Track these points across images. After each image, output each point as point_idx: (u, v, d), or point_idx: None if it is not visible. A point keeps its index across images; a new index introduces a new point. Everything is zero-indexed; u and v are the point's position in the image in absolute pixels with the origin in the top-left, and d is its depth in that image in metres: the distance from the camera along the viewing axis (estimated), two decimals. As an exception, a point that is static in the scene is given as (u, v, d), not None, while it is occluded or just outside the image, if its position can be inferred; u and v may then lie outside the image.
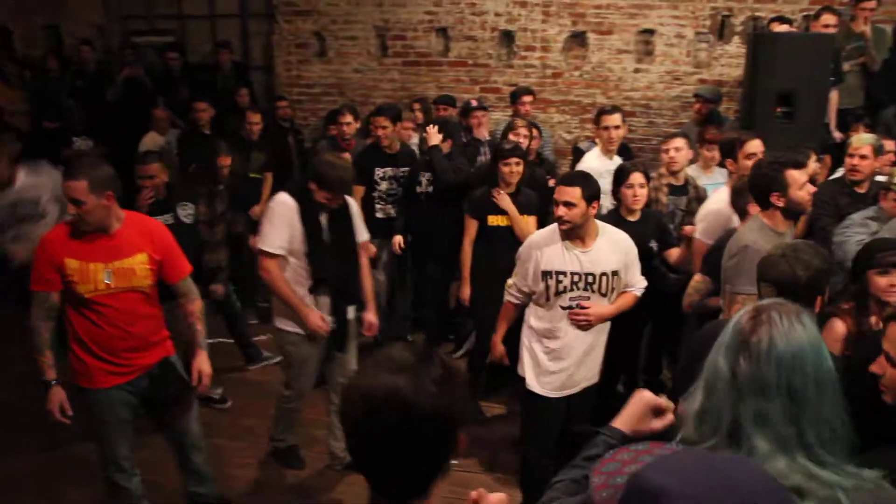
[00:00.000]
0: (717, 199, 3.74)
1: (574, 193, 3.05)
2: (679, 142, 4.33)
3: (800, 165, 2.99)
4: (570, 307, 3.17)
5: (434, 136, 4.81)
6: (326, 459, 3.95)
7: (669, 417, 1.56)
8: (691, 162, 4.56)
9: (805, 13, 6.43)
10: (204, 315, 3.21)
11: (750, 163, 3.47)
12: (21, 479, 3.82)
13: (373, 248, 4.55)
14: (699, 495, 0.93)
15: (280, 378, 3.90)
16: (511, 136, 4.71)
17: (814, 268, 2.17)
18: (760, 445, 1.31)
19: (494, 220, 4.29)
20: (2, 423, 4.27)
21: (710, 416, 1.38)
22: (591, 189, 3.09)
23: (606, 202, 4.13)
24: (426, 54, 7.45)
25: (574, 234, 3.13)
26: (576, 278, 3.14)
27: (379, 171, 5.01)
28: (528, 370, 3.29)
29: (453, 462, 1.28)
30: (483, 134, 5.47)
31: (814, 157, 4.29)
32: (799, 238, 3.55)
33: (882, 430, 1.75)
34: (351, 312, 3.71)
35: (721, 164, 4.25)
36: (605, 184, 4.08)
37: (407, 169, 5.03)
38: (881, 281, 2.58)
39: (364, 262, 3.78)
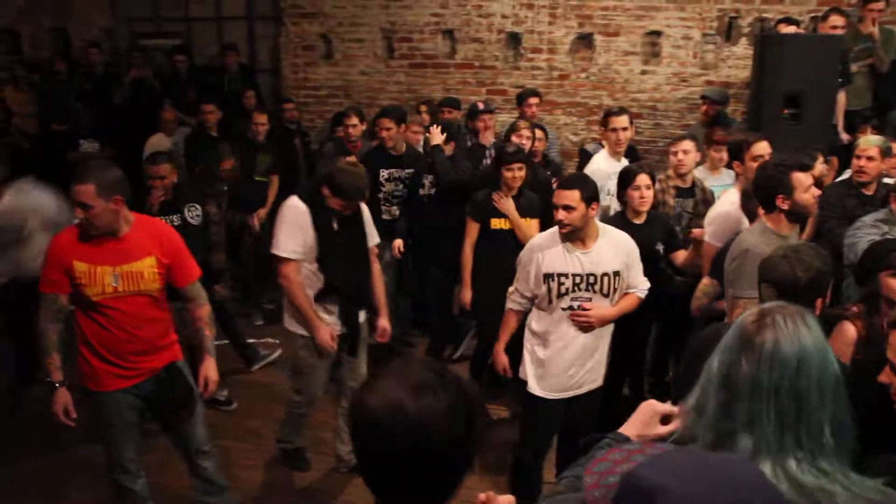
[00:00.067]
0: (727, 201, 3.72)
1: (573, 196, 3.05)
2: (687, 144, 4.31)
3: (805, 168, 2.97)
4: (570, 308, 3.16)
5: (436, 136, 4.80)
6: (333, 462, 3.95)
7: (676, 423, 1.56)
8: (699, 164, 4.55)
9: (813, 14, 6.40)
10: (213, 320, 3.19)
11: (757, 165, 3.46)
12: (25, 481, 3.83)
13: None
14: (696, 494, 0.92)
15: (286, 380, 3.90)
16: (514, 138, 4.71)
17: (814, 269, 2.16)
18: (745, 447, 1.30)
19: (497, 224, 4.28)
20: (7, 424, 4.28)
21: (704, 415, 1.38)
22: (589, 191, 3.09)
23: (615, 204, 4.12)
24: (433, 56, 7.45)
25: (575, 235, 3.12)
26: (577, 280, 3.13)
27: (384, 173, 5.02)
28: (529, 372, 3.28)
29: None
30: (488, 140, 5.44)
31: (821, 159, 4.28)
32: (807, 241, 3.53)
33: (890, 437, 1.73)
34: (361, 316, 3.71)
35: (729, 166, 4.23)
36: (614, 186, 4.08)
37: (412, 171, 5.04)
38: (894, 283, 2.56)
39: (375, 267, 3.77)
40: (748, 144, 3.78)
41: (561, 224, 3.10)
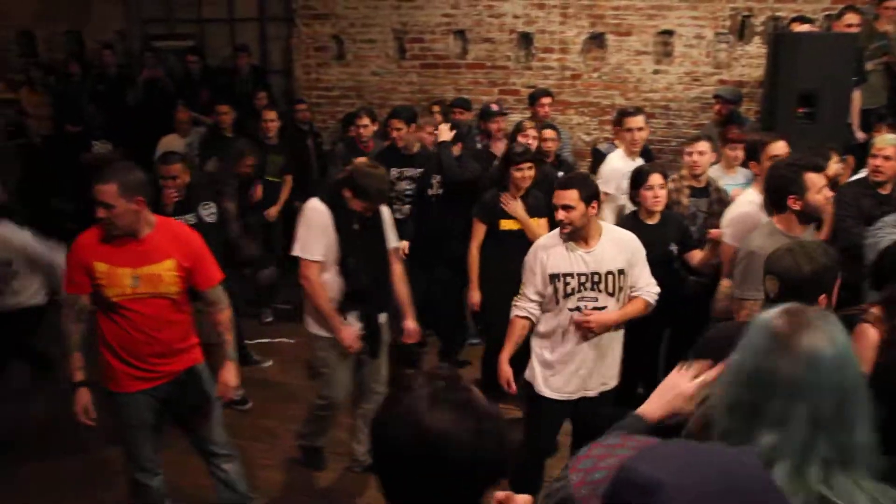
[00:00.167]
0: (746, 201, 3.63)
1: (571, 196, 3.04)
2: (703, 145, 4.29)
3: (819, 169, 2.94)
4: (577, 308, 3.15)
5: (445, 132, 4.80)
6: (348, 462, 3.96)
7: (697, 400, 1.56)
8: (714, 163, 4.53)
9: (827, 13, 6.37)
10: (234, 325, 3.19)
11: (771, 165, 3.44)
12: (61, 481, 3.86)
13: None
14: (694, 486, 0.91)
15: (302, 381, 3.90)
16: (520, 138, 4.69)
17: (819, 263, 2.13)
18: (766, 444, 1.29)
19: (507, 225, 4.25)
20: (35, 426, 4.31)
21: (730, 412, 1.36)
22: (588, 190, 3.08)
23: (630, 204, 4.11)
24: (444, 57, 7.46)
25: (577, 235, 3.12)
26: (583, 279, 3.13)
27: (395, 172, 5.02)
28: (536, 373, 3.26)
29: None
30: (499, 148, 5.37)
31: (836, 158, 4.26)
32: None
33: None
34: (382, 318, 3.70)
35: (744, 164, 4.21)
36: (630, 186, 4.07)
37: (422, 170, 5.05)
38: None
39: (397, 268, 3.75)
40: (763, 144, 3.76)
41: (562, 224, 3.11)
